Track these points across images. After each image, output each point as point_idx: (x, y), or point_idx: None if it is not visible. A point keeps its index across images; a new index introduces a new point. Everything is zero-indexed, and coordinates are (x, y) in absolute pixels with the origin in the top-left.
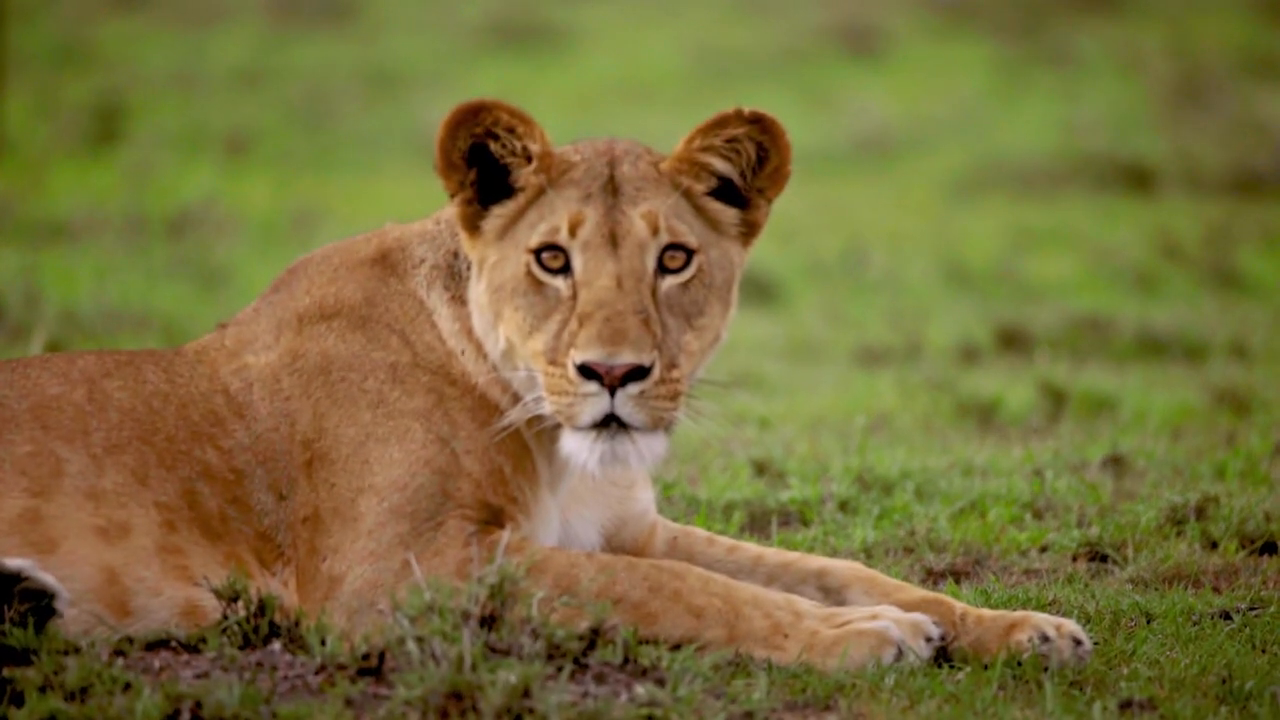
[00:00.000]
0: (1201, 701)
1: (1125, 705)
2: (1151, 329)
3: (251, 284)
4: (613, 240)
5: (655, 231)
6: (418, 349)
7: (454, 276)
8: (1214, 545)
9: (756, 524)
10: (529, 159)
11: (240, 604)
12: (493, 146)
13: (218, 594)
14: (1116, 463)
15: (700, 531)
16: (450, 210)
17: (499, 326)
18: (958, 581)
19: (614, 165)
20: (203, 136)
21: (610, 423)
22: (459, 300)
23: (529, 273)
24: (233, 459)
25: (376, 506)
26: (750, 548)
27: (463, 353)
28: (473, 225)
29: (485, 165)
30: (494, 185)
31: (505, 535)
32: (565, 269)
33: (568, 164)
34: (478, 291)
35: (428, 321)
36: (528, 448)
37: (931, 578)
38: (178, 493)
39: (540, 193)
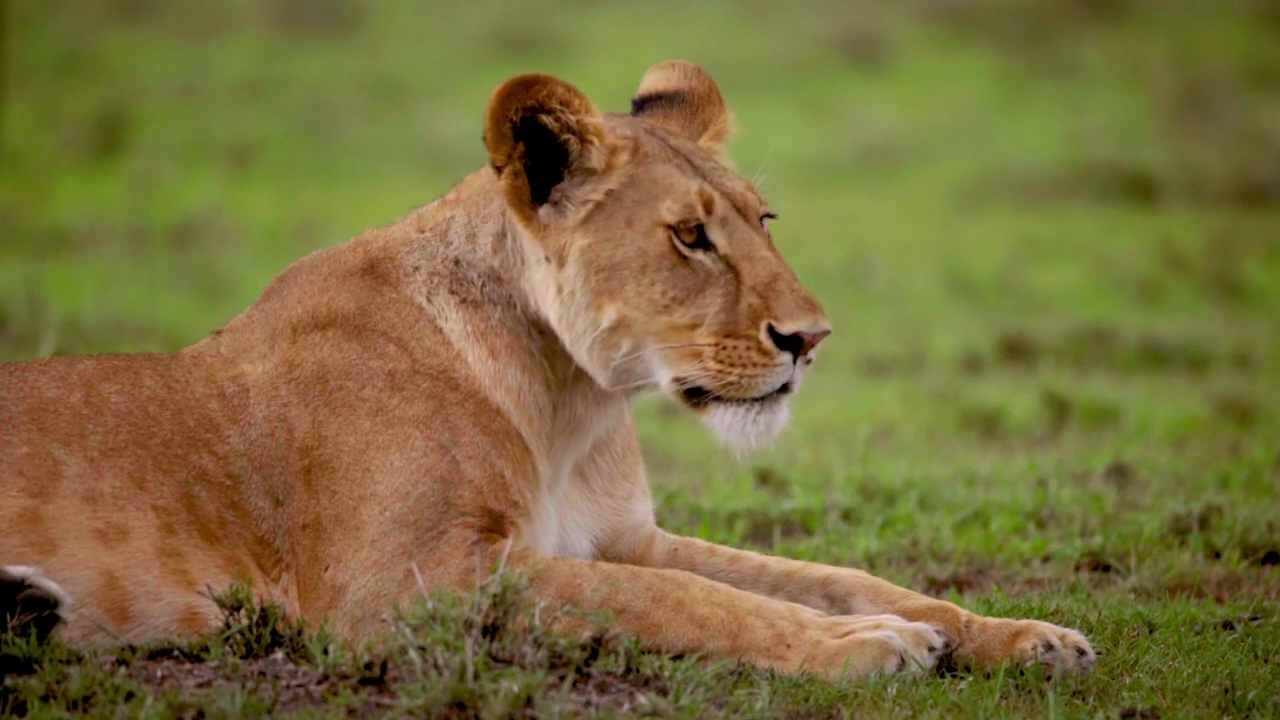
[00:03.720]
0: (1204, 711)
1: (1128, 715)
2: (1155, 339)
3: (255, 294)
4: (741, 213)
5: (760, 201)
6: (417, 355)
7: (459, 281)
8: (1217, 555)
9: (759, 533)
10: (581, 137)
11: (243, 613)
12: (545, 120)
13: (220, 603)
14: (1120, 472)
15: (701, 542)
16: (474, 189)
17: (608, 306)
18: (961, 591)
19: (667, 139)
20: (206, 147)
21: (774, 393)
22: (469, 303)
23: (673, 249)
24: (228, 464)
25: (379, 515)
26: (753, 557)
27: (471, 354)
28: (523, 203)
29: (535, 142)
30: (546, 163)
31: (508, 545)
32: (698, 244)
33: (636, 141)
34: (558, 277)
35: (429, 326)
36: (527, 450)
37: (935, 587)
38: (175, 496)
39: (624, 172)
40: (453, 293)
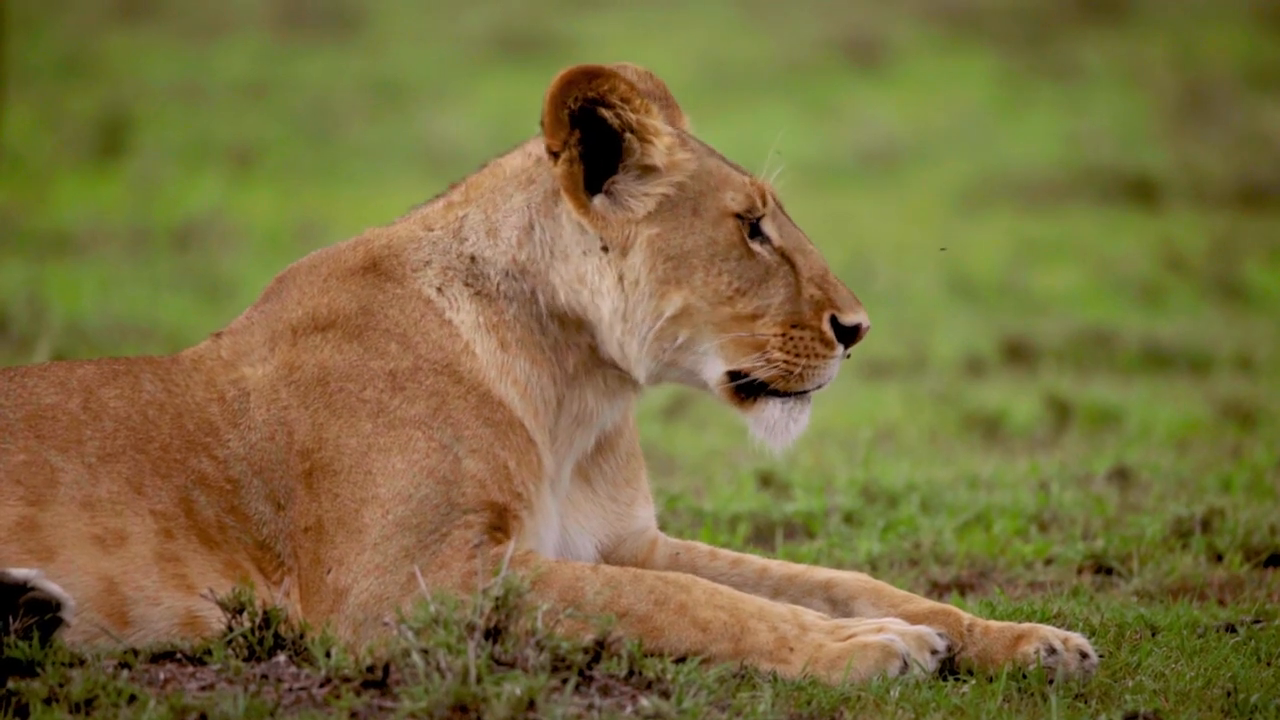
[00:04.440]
0: (1206, 714)
1: (1130, 718)
2: (1156, 341)
3: (256, 296)
4: (781, 208)
5: None
6: (421, 350)
7: (475, 276)
8: (1219, 558)
9: (761, 536)
10: (640, 136)
11: (245, 616)
12: (605, 114)
13: (223, 605)
14: (1122, 475)
15: (702, 546)
16: (487, 188)
17: (674, 294)
18: (963, 594)
19: (692, 136)
20: (208, 148)
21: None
22: (484, 296)
23: (742, 239)
24: (228, 469)
25: (381, 519)
26: (755, 560)
27: (480, 345)
28: (578, 190)
29: (590, 132)
30: (599, 154)
31: (510, 548)
32: (754, 235)
33: (681, 136)
34: (620, 266)
35: (436, 319)
36: (532, 441)
37: (937, 590)
38: (173, 501)
39: (687, 168)
40: (467, 285)
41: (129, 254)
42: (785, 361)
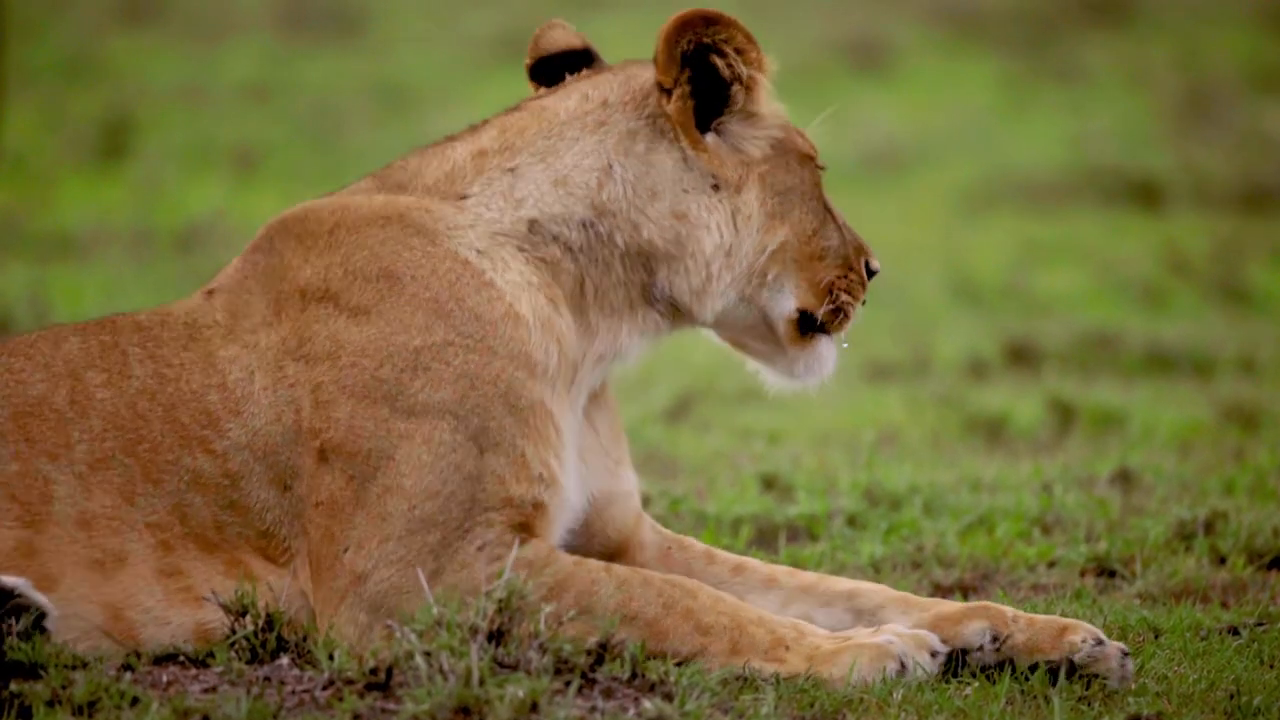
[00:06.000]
0: (1210, 717)
1: None
2: (1160, 344)
3: None
4: None
5: None
6: (455, 319)
7: (531, 241)
8: (1222, 560)
9: (764, 539)
10: (748, 87)
11: (248, 618)
12: (716, 61)
13: (225, 608)
14: (1125, 478)
15: (699, 546)
16: (534, 133)
17: (779, 228)
18: (965, 597)
19: None
20: (211, 151)
21: None
22: (538, 261)
23: (819, 182)
24: (227, 462)
25: (407, 512)
26: (759, 568)
27: (526, 303)
28: (691, 125)
29: (698, 73)
30: (706, 94)
31: (513, 551)
32: None
33: None
34: (735, 202)
35: (476, 282)
36: (549, 412)
37: (940, 592)
38: (167, 509)
39: (784, 115)
40: (520, 249)
41: (131, 256)
42: (847, 302)
